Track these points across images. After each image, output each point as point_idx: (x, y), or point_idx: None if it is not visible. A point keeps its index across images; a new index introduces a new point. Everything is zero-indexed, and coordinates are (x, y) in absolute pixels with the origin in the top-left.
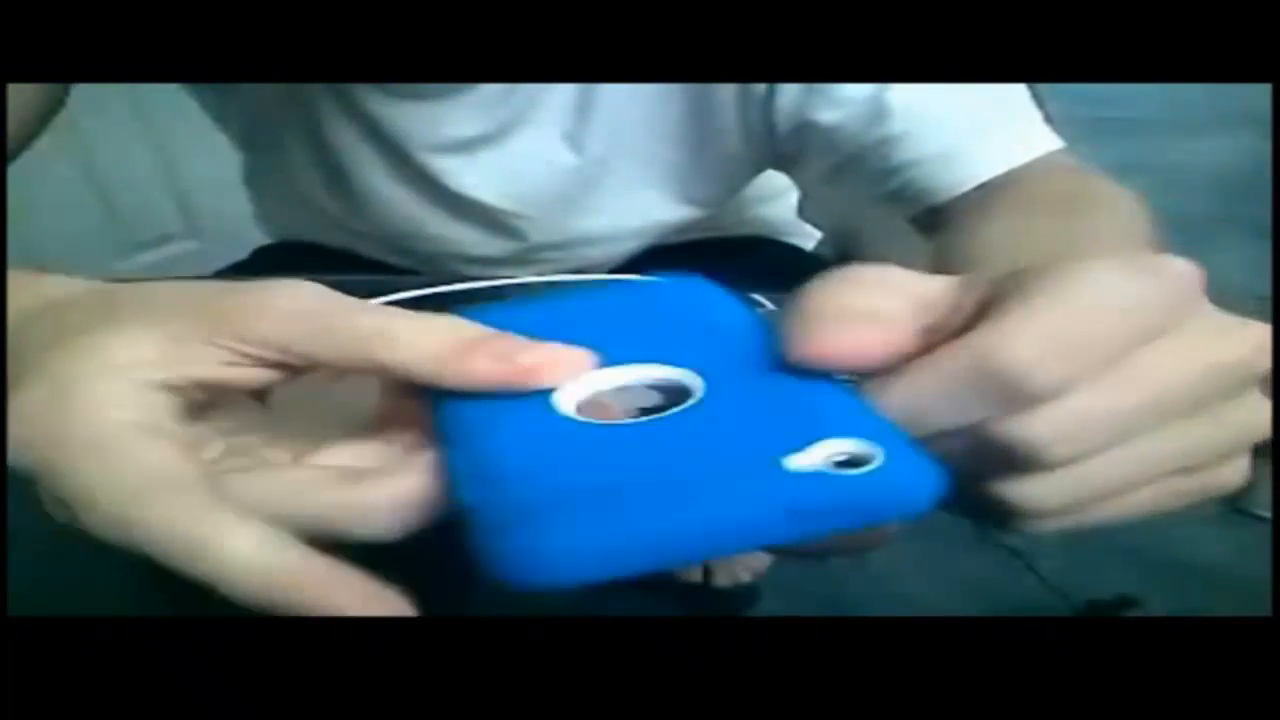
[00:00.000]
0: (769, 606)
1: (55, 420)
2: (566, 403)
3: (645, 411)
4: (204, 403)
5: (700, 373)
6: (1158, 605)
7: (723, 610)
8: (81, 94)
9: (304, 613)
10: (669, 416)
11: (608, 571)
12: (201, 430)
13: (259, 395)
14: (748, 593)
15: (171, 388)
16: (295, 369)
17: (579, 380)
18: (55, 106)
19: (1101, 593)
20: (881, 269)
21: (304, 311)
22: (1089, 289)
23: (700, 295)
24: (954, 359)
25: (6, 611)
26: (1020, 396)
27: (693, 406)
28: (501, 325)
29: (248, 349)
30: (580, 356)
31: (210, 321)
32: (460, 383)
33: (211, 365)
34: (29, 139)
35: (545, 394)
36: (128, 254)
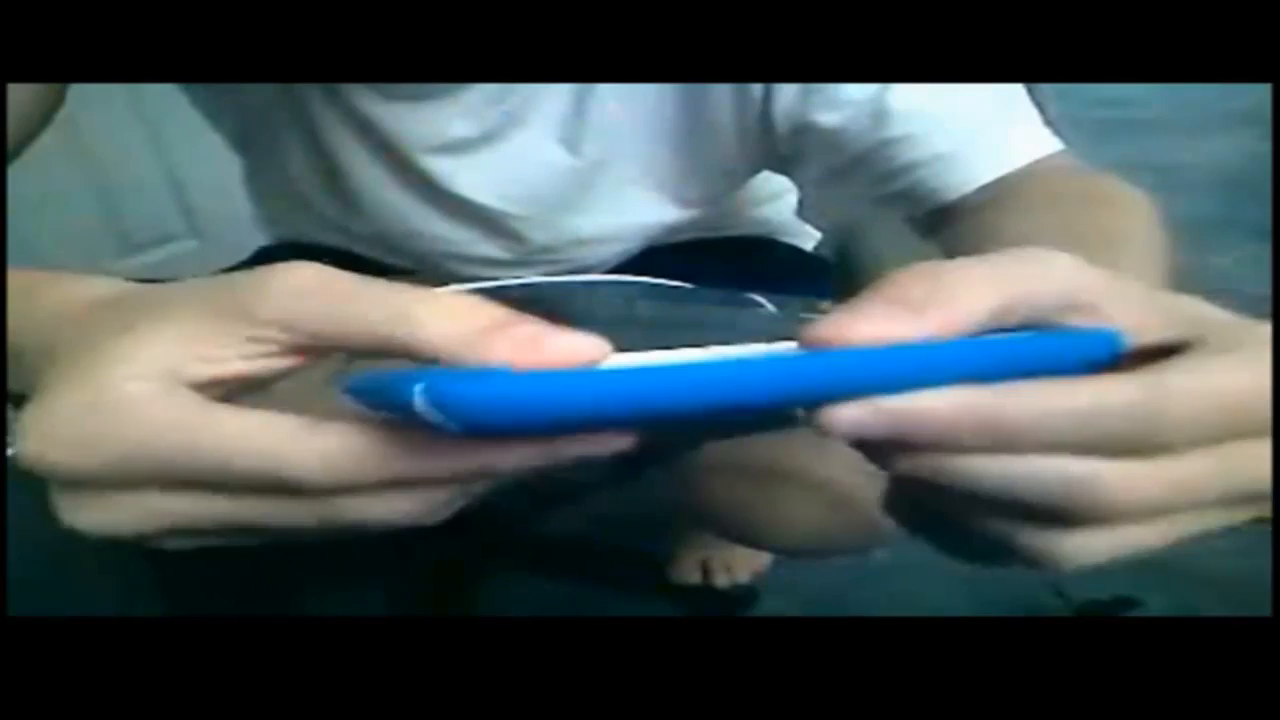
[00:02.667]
0: (769, 606)
1: (87, 421)
2: None
3: None
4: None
5: None
6: (1158, 605)
7: (723, 610)
8: (81, 93)
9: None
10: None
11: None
12: None
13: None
14: (747, 593)
15: (198, 386)
16: (312, 352)
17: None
18: (54, 106)
19: (1101, 593)
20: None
21: (306, 290)
22: (1258, 372)
23: None
24: (1116, 384)
25: (6, 611)
26: (1143, 449)
27: None
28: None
29: (257, 334)
30: (599, 346)
31: (219, 316)
32: (480, 364)
33: (230, 360)
34: (28, 139)
35: None
36: (128, 254)
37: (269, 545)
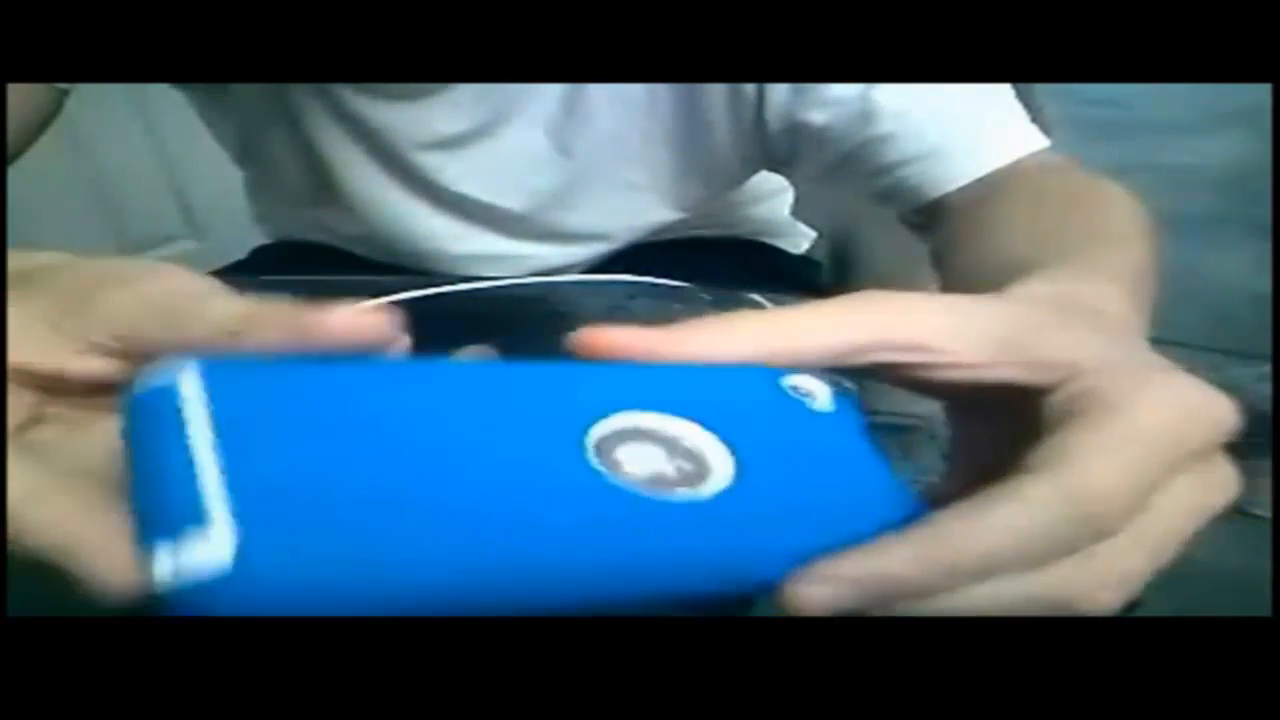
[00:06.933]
0: (769, 606)
1: None
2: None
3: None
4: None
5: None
6: (1158, 605)
7: (722, 610)
8: (81, 93)
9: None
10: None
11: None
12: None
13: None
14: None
15: (32, 374)
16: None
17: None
18: (53, 113)
19: None
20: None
21: (150, 310)
22: (1154, 418)
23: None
24: (1038, 489)
25: (6, 611)
26: (1104, 533)
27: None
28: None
29: (96, 341)
30: (376, 323)
31: (63, 306)
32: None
33: (53, 353)
34: (25, 145)
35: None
36: (128, 254)
37: None
